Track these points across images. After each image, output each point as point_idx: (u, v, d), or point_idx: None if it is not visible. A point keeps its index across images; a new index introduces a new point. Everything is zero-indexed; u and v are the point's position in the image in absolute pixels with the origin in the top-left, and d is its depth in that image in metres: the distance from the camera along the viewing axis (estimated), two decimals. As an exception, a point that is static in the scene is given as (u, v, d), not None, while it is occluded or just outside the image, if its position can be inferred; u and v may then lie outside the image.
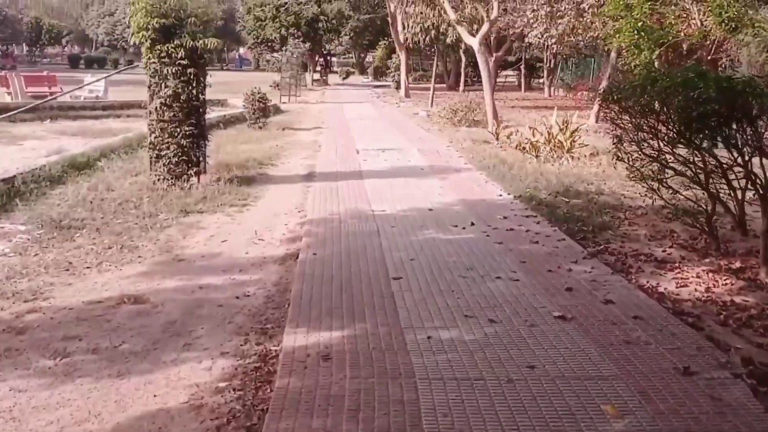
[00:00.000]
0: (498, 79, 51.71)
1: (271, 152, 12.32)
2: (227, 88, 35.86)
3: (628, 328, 4.44)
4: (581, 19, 19.20)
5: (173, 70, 8.80)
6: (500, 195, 8.87)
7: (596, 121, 21.43)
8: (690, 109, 6.02)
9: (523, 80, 45.17)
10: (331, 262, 5.81)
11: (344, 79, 49.86)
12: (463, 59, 41.48)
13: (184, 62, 8.78)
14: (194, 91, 9.04)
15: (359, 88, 42.78)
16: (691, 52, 14.73)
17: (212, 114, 18.02)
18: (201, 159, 9.21)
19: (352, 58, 75.40)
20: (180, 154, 8.87)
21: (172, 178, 8.86)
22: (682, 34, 12.99)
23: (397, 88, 38.95)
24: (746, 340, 4.47)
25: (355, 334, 4.33)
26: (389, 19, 33.37)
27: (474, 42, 16.61)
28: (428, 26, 25.25)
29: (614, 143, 7.43)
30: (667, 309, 4.88)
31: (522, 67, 44.81)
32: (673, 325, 4.52)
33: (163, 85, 8.87)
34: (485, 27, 16.73)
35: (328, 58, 76.13)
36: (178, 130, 8.86)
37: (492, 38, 35.46)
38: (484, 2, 17.36)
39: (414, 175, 10.36)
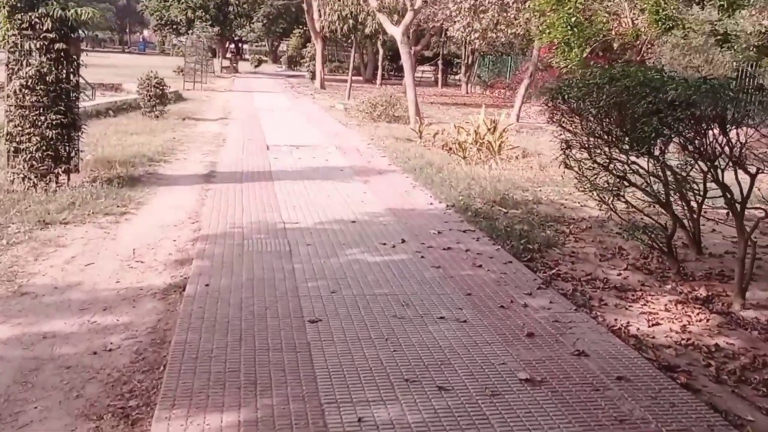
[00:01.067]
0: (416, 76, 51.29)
1: (166, 146, 10.70)
2: (124, 72, 33.19)
3: (615, 397, 3.44)
4: (505, 15, 18.57)
5: (37, 45, 7.12)
6: (431, 204, 7.80)
7: (517, 120, 20.99)
8: (660, 113, 5.14)
9: (440, 76, 44.79)
10: (227, 297, 4.49)
11: (256, 67, 47.71)
12: (381, 52, 40.52)
13: (51, 35, 7.12)
14: (64, 72, 7.39)
15: (272, 77, 40.90)
16: (620, 52, 14.33)
17: (101, 99, 16.00)
18: (73, 154, 7.57)
19: (265, 46, 72.82)
20: (44, 147, 7.21)
21: (35, 178, 7.20)
22: (614, 32, 12.45)
23: (312, 78, 37.44)
24: (750, 404, 3.59)
25: (256, 418, 3.07)
26: (304, 5, 31.82)
27: (397, 32, 15.54)
28: (346, 14, 24.02)
29: (562, 149, 6.54)
30: (651, 361, 3.94)
31: (439, 62, 44.42)
32: (667, 389, 3.56)
33: (24, 62, 7.18)
34: (409, 16, 15.69)
35: (240, 44, 73.29)
36: (43, 118, 7.19)
37: (410, 32, 34.64)
38: (407, -10, 16.32)
39: (333, 178, 9.12)
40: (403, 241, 6.05)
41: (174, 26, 42.83)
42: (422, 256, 5.62)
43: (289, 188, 8.18)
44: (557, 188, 9.28)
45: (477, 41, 22.16)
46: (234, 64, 44.01)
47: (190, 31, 37.37)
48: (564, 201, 8.40)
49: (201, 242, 5.72)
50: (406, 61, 15.71)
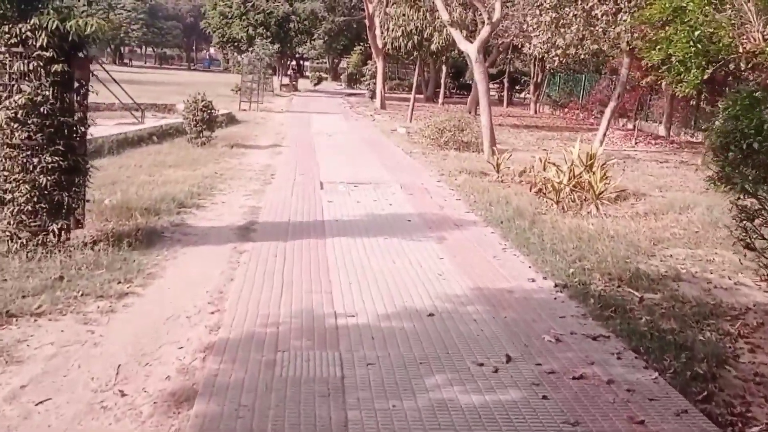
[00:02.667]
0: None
1: (204, 184, 9.10)
2: (184, 91, 32.49)
3: None
4: (592, 29, 16.42)
5: (30, 66, 5.59)
6: (532, 280, 5.83)
7: (600, 145, 18.73)
8: None
9: (505, 94, 42.64)
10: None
11: (315, 85, 46.73)
12: (444, 69, 38.78)
13: (48, 54, 5.56)
14: (67, 100, 5.82)
15: (331, 96, 39.66)
16: (743, 74, 12.02)
17: (149, 123, 14.72)
18: (75, 205, 5.98)
19: (325, 62, 72.30)
20: (37, 197, 5.64)
21: (24, 237, 5.64)
22: (741, 49, 10.20)
23: (372, 97, 35.98)
24: None
25: None
26: (366, 21, 30.39)
27: (471, 49, 13.68)
28: (411, 30, 22.29)
29: (738, 219, 4.51)
30: None
31: (504, 80, 42.31)
32: None
33: (14, 89, 5.65)
34: (485, 31, 13.78)
35: (300, 62, 73.03)
36: (35, 160, 5.63)
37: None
38: (484, 2, 14.45)
39: (399, 232, 7.26)
40: (509, 359, 4.11)
41: (235, 43, 42.25)
42: (544, 396, 3.66)
43: (344, 249, 6.38)
44: (689, 251, 7.15)
45: (557, 58, 20.06)
46: (294, 82, 43.08)
47: (251, 48, 36.59)
48: (709, 275, 6.27)
49: (215, 355, 3.94)
50: (481, 81, 13.80)
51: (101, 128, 14.92)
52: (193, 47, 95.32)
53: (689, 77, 9.94)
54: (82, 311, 4.53)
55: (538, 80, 36.03)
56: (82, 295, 4.76)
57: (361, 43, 52.15)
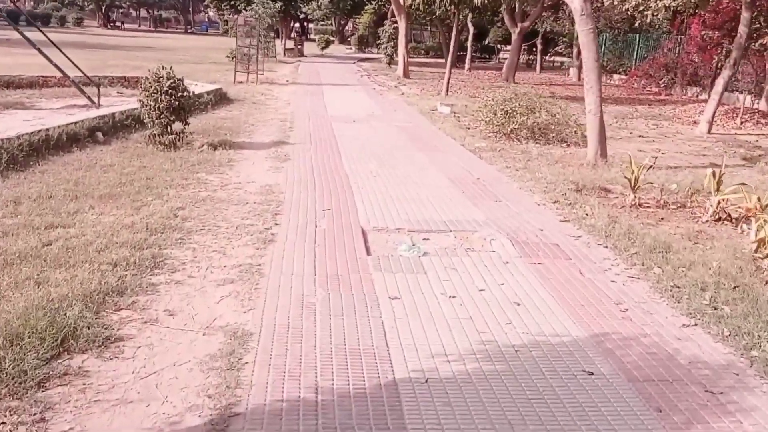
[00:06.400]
0: (503, 57, 43.99)
1: (137, 259, 4.52)
2: (169, 58, 27.70)
3: None
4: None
5: None
6: None
7: (708, 132, 14.16)
8: None
9: (538, 58, 37.68)
10: None
11: (323, 49, 41.68)
12: (471, 30, 33.77)
13: None
14: None
15: (342, 62, 34.77)
16: None
17: (102, 109, 10.01)
18: None
19: (331, 25, 66.75)
20: None
21: None
22: None
23: (390, 63, 31.14)
24: None
25: None
26: (386, -27, 25.45)
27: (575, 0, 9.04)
28: (449, -21, 17.55)
29: None
30: None
31: (538, 42, 37.30)
32: None
33: None
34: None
35: (305, 23, 67.47)
36: None
37: (517, 6, 27.75)
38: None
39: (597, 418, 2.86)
40: None
41: (232, 2, 37.21)
42: None
43: None
44: None
45: (636, 10, 15.33)
46: (299, 46, 38.07)
47: (249, 7, 31.67)
48: None
49: None
50: (589, 43, 9.16)
51: (25, 114, 10.76)
52: (190, 9, 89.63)
53: None
54: None
55: (582, 42, 30.93)
56: None
57: (372, 2, 46.90)
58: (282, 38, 40.23)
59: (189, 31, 79.04)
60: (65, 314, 3.50)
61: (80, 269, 4.16)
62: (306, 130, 11.11)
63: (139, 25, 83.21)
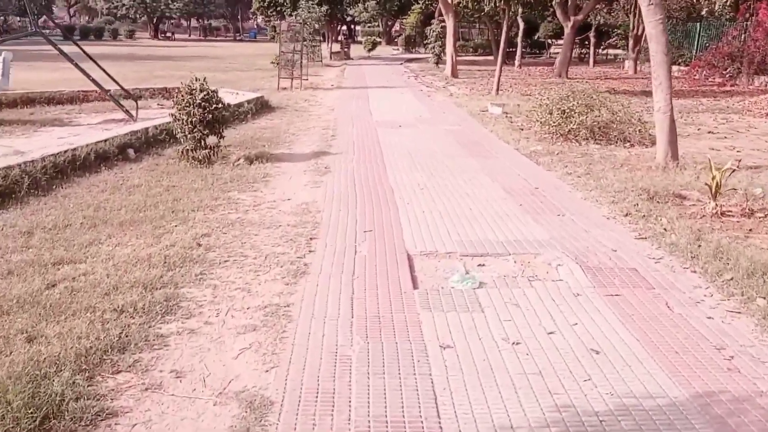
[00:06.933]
0: (554, 52, 42.55)
1: (146, 305, 3.96)
2: (216, 66, 27.60)
3: None
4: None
5: None
6: None
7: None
8: None
9: (592, 51, 36.18)
10: None
11: (370, 51, 41.10)
12: (521, 26, 32.59)
13: None
14: None
15: (389, 63, 34.16)
16: None
17: (140, 124, 9.54)
18: None
19: (378, 26, 66.26)
20: None
21: None
22: None
23: (437, 63, 30.33)
24: None
25: None
26: (431, -30, 24.66)
27: (641, -17, 8.09)
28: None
29: None
30: None
31: (591, 35, 35.84)
32: None
33: None
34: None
35: (352, 26, 67.22)
36: None
37: (569, -4, 26.46)
38: None
39: None
40: None
41: (278, 8, 37.08)
42: None
43: None
44: None
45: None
46: (345, 49, 37.63)
47: (294, 12, 31.40)
48: None
49: None
50: (658, 36, 8.16)
51: (61, 131, 10.53)
52: (239, 16, 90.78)
53: None
54: None
55: (638, 32, 29.43)
56: None
57: (419, 1, 46.12)
58: (328, 41, 39.93)
59: (238, 38, 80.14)
60: (52, 382, 2.93)
61: (80, 319, 3.61)
62: (349, 137, 10.48)
63: (189, 35, 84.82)
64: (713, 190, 6.51)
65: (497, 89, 18.26)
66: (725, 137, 11.48)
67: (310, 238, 5.33)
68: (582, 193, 7.02)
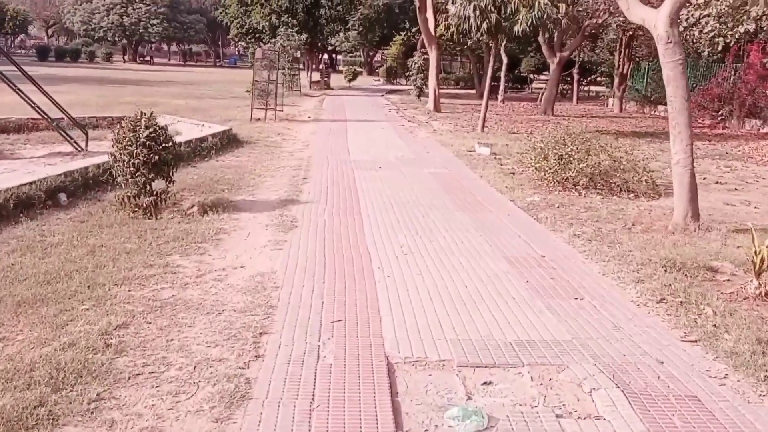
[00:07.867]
0: (536, 87, 42.08)
1: None
2: (189, 92, 26.28)
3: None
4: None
5: None
6: None
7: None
8: None
9: (575, 88, 35.68)
10: None
11: (350, 81, 40.20)
12: (505, 60, 31.96)
13: None
14: None
15: (369, 94, 33.20)
16: None
17: (89, 159, 8.03)
18: None
19: (359, 56, 65.68)
20: None
21: None
22: None
23: (419, 95, 29.43)
24: None
25: None
26: (416, 2, 23.82)
27: (660, 20, 7.07)
28: (486, 5, 15.78)
29: None
30: None
31: (575, 72, 35.36)
32: None
33: None
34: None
35: (333, 55, 66.48)
36: None
37: (555, 35, 25.82)
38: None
39: None
40: None
41: (256, 35, 36.08)
42: None
43: None
44: None
45: (710, 33, 13.30)
46: (325, 78, 36.64)
47: (273, 39, 30.40)
48: None
49: None
50: (677, 79, 7.07)
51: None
52: (220, 42, 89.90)
53: None
54: None
55: (624, 71, 28.90)
56: None
57: (401, 32, 45.54)
58: (308, 70, 38.96)
59: (218, 64, 79.19)
60: None
61: None
62: (322, 182, 9.26)
63: (169, 59, 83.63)
64: (757, 267, 5.39)
65: (483, 126, 17.26)
66: (735, 189, 10.50)
67: (260, 333, 4.05)
68: (598, 265, 5.84)
